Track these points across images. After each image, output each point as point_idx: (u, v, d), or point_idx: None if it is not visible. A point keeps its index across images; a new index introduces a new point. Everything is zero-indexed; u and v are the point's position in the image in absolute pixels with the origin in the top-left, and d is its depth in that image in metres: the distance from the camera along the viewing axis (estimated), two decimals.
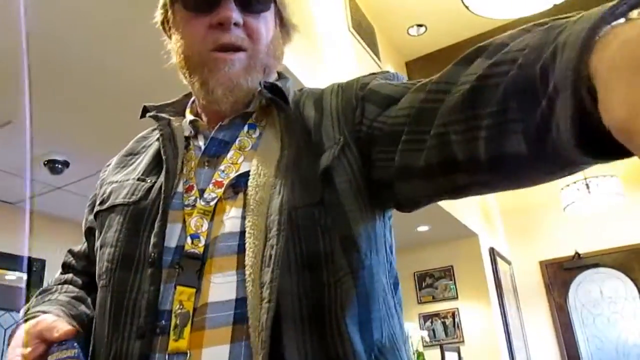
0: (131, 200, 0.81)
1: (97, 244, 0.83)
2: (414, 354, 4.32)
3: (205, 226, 0.75)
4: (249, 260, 0.69)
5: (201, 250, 0.73)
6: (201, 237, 0.74)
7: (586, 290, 5.98)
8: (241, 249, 0.71)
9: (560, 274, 6.09)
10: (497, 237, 6.11)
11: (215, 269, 0.71)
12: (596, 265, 5.93)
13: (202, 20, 0.81)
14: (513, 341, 5.31)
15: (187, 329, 0.69)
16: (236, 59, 0.80)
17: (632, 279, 5.78)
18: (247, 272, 0.68)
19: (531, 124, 0.52)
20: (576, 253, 5.98)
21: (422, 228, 5.11)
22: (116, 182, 0.87)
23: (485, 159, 0.58)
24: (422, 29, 4.51)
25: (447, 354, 4.56)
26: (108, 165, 0.96)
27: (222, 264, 0.71)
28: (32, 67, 2.46)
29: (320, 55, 2.98)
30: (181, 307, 0.70)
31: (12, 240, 4.50)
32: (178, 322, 0.69)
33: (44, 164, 3.72)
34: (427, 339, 5.21)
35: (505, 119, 0.55)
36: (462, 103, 0.60)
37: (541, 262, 6.20)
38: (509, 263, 6.12)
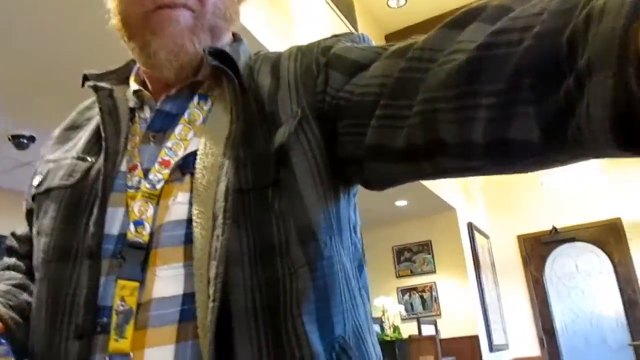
0: (68, 182, 0.73)
1: (34, 230, 0.76)
2: (389, 327, 4.34)
3: (151, 211, 0.67)
4: (196, 253, 0.62)
5: (146, 239, 0.66)
6: (146, 224, 0.67)
7: (562, 264, 6.07)
8: (188, 239, 0.64)
9: (538, 248, 6.15)
10: (476, 211, 6.14)
11: (160, 261, 0.64)
12: (572, 240, 6.00)
13: None
14: (489, 314, 5.38)
15: (130, 328, 0.62)
16: (180, 15, 0.71)
17: (606, 253, 5.87)
18: (195, 267, 0.62)
19: (549, 107, 0.44)
20: (553, 228, 6.04)
21: (401, 202, 5.09)
22: (53, 160, 0.79)
23: (483, 143, 0.50)
24: (402, 1, 4.41)
25: (423, 327, 4.60)
26: (50, 139, 0.87)
27: (168, 255, 0.65)
28: None
29: (294, 29, 2.89)
30: (123, 303, 0.63)
31: None
32: (119, 320, 0.63)
33: (9, 139, 3.60)
34: (404, 313, 5.24)
35: (514, 99, 0.46)
36: (457, 76, 0.51)
37: (519, 237, 6.25)
38: (487, 237, 6.16)
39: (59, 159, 0.78)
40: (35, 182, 0.79)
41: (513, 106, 0.47)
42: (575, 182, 5.63)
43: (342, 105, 0.65)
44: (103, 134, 0.73)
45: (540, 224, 6.13)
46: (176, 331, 0.61)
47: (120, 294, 0.64)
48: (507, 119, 0.47)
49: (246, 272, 0.61)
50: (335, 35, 0.75)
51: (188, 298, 0.62)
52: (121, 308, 0.63)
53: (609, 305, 5.78)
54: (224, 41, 0.79)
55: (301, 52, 0.74)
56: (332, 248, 0.66)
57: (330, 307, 0.63)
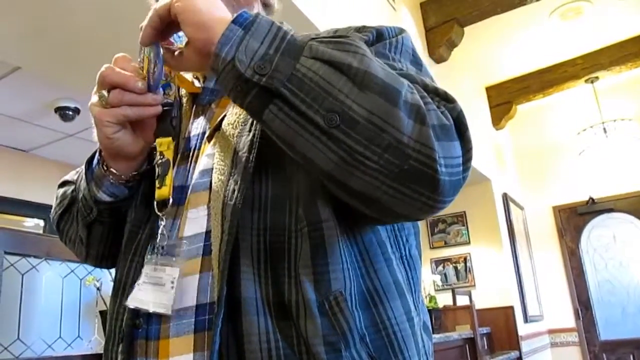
0: None
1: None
2: (426, 297, 4.37)
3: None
4: (213, 194, 0.72)
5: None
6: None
7: (599, 235, 5.98)
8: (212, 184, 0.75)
9: (573, 219, 6.08)
10: (511, 182, 6.07)
11: (191, 205, 0.75)
12: (610, 210, 5.90)
13: None
14: (524, 286, 5.36)
15: (169, 177, 0.75)
16: None
17: None
18: (212, 206, 0.71)
19: None
20: (590, 198, 5.95)
21: None
22: None
23: None
24: None
25: (458, 297, 4.62)
26: None
27: (197, 199, 0.75)
28: (39, 10, 2.41)
29: None
30: (162, 157, 0.76)
31: (24, 187, 4.56)
32: (160, 171, 0.76)
33: (55, 111, 3.71)
34: (439, 283, 5.27)
35: None
36: None
37: (554, 207, 6.18)
38: (521, 208, 6.11)
39: None
40: None
41: None
42: (614, 151, 5.51)
43: None
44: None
45: (577, 195, 6.04)
46: (200, 263, 0.71)
47: (160, 150, 0.77)
48: None
49: (255, 216, 0.69)
50: (364, 29, 0.78)
51: (208, 235, 0.71)
52: (160, 161, 0.76)
53: None
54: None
55: None
56: (340, 214, 0.70)
57: (327, 264, 0.67)
